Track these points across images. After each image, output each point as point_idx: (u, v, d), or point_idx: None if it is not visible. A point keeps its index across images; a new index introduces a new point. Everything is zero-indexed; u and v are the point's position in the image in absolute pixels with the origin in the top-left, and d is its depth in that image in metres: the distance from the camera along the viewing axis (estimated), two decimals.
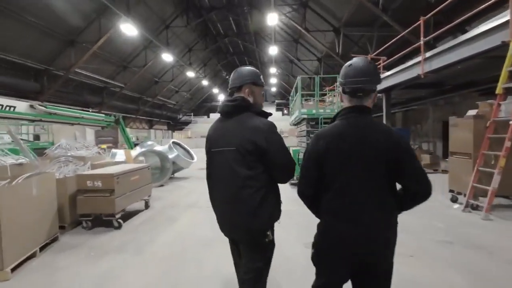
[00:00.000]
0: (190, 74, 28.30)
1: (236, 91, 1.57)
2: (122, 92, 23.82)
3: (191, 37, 26.27)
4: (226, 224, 1.57)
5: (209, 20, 25.23)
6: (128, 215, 4.44)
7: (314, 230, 1.35)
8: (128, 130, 27.23)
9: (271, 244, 1.50)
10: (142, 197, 4.67)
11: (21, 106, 7.99)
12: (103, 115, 12.01)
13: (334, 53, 15.91)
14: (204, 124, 36.15)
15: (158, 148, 8.11)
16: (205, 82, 32.89)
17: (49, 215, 3.22)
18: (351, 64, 1.30)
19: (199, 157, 15.70)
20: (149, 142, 8.66)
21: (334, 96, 11.43)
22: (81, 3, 15.60)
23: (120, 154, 7.44)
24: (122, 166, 4.41)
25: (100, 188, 3.73)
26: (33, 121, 8.38)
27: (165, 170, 7.47)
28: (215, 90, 39.65)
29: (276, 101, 43.88)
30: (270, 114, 1.64)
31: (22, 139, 11.81)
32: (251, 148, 1.39)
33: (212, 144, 1.56)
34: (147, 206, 4.91)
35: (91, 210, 3.77)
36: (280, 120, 35.22)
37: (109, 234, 3.67)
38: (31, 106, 8.23)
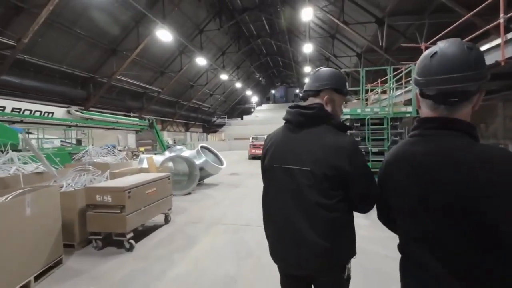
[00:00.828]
0: (224, 77, 28.33)
1: (312, 96, 1.31)
2: (160, 97, 24.61)
3: (224, 40, 26.26)
4: (289, 258, 1.25)
5: (242, 21, 24.95)
6: (143, 232, 3.94)
7: None
8: (165, 133, 28.25)
9: (349, 280, 1.27)
10: (161, 211, 4.14)
11: (59, 112, 8.22)
12: (137, 119, 12.23)
13: (377, 46, 14.34)
14: (237, 127, 36.09)
15: (186, 153, 7.70)
16: (238, 85, 32.76)
17: (49, 237, 2.79)
18: (436, 52, 0.83)
19: (230, 161, 15.43)
20: (178, 147, 8.33)
21: (377, 93, 10.10)
22: (121, 14, 16.23)
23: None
24: (138, 177, 3.93)
25: (110, 203, 3.25)
26: (70, 126, 8.65)
27: (192, 177, 7.01)
28: (248, 92, 39.43)
29: None
30: (351, 129, 1.46)
31: (67, 143, 12.44)
32: (332, 174, 1.13)
33: (276, 158, 1.28)
34: (167, 220, 4.38)
35: (100, 228, 3.31)
36: None
37: (119, 258, 3.15)
38: (68, 112, 8.46)
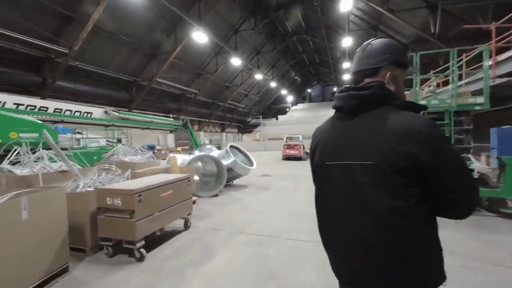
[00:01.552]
0: (258, 76, 28.02)
1: (369, 77, 1.01)
2: (197, 98, 25.18)
3: (258, 39, 25.93)
4: (356, 281, 0.95)
5: (277, 19, 24.34)
6: (160, 238, 3.59)
7: None
8: (201, 133, 28.80)
9: None
10: (178, 217, 3.76)
11: (97, 112, 8.53)
12: (171, 119, 12.41)
13: (429, 34, 12.60)
14: (272, 127, 35.54)
15: (215, 153, 7.37)
16: (273, 84, 32.20)
17: (53, 243, 2.53)
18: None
19: (262, 161, 14.94)
20: (208, 146, 8.06)
21: (432, 85, 8.72)
22: (160, 18, 16.79)
23: (178, 159, 6.97)
24: (155, 178, 3.59)
25: (120, 207, 2.93)
26: (107, 126, 8.96)
27: (220, 178, 6.63)
28: (283, 92, 38.61)
29: None
30: (425, 108, 1.02)
31: (112, 142, 13.12)
32: (404, 164, 0.84)
33: (328, 154, 1.02)
34: (186, 226, 3.98)
35: (110, 234, 3.01)
36: None
37: (127, 269, 2.81)
38: (106, 112, 8.75)
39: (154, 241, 3.50)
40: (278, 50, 28.88)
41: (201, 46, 20.30)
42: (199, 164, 7.41)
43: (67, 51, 13.13)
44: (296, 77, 41.45)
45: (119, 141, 13.18)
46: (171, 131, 12.01)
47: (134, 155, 5.85)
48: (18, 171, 3.66)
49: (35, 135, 5.68)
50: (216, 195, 6.27)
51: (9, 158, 3.95)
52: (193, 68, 22.53)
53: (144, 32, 16.74)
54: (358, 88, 0.99)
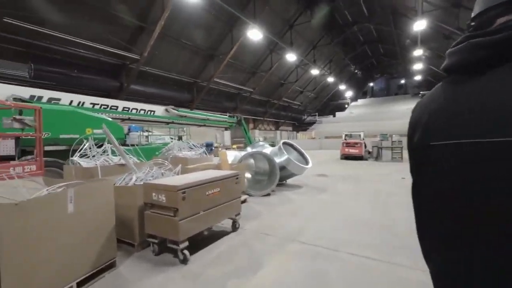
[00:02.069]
0: (315, 72, 26.77)
1: (504, 15, 0.59)
2: (252, 97, 25.40)
3: (315, 33, 24.68)
4: None
5: (335, 9, 22.70)
6: (207, 238, 3.36)
7: None
8: (256, 131, 28.98)
9: None
10: (225, 217, 3.47)
11: (159, 110, 9.08)
12: (226, 116, 12.57)
13: None
14: (329, 124, 33.66)
15: (267, 150, 7.00)
16: (330, 79, 30.39)
17: (99, 237, 2.48)
18: None
19: (319, 161, 13.99)
20: (260, 143, 7.76)
21: None
22: (217, 20, 17.32)
23: (229, 155, 6.84)
24: (201, 175, 3.37)
25: (164, 204, 2.76)
26: (167, 123, 9.47)
27: (273, 177, 6.23)
28: (342, 87, 36.18)
29: (421, 92, 35.02)
30: None
31: (172, 138, 14.06)
32: None
33: (438, 129, 0.59)
34: (234, 227, 3.68)
35: (155, 231, 2.88)
36: None
37: (168, 272, 2.61)
38: (166, 110, 9.25)
39: (201, 240, 3.29)
40: (336, 43, 27.08)
41: (256, 44, 20.30)
42: (251, 161, 7.15)
43: (139, 57, 14.56)
44: (356, 71, 38.37)
45: (180, 138, 14.00)
46: (225, 128, 12.16)
47: (188, 151, 5.90)
48: (84, 163, 3.91)
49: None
50: (268, 195, 5.89)
51: (79, 151, 4.28)
52: (248, 66, 22.75)
53: (203, 35, 17.51)
54: (487, 33, 0.60)
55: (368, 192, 6.20)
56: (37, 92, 5.69)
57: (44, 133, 5.21)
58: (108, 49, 13.54)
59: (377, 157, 13.76)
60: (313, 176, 8.59)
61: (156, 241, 2.89)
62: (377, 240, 3.34)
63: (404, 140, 14.75)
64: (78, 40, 12.33)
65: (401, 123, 27.01)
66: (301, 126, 38.07)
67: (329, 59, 29.94)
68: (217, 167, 5.09)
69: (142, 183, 3.33)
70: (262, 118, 29.89)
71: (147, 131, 15.25)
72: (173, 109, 8.71)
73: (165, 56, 16.74)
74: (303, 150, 7.47)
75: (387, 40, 27.62)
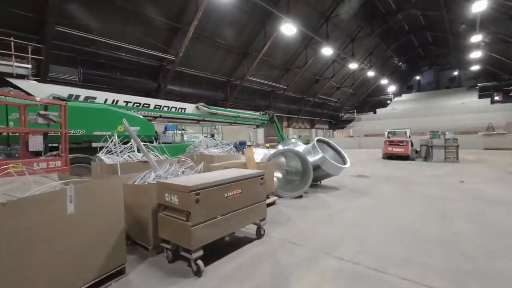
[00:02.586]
0: (353, 66, 25.10)
1: None
2: (286, 94, 24.73)
3: (353, 24, 23.08)
4: None
5: None
6: (228, 245, 2.97)
7: None
8: (290, 130, 28.21)
9: None
10: (248, 222, 3.03)
11: (190, 108, 9.04)
12: (258, 113, 12.20)
13: None
14: (368, 122, 31.41)
15: (300, 147, 6.43)
16: (370, 74, 28.27)
17: (105, 241, 2.23)
18: None
19: (358, 160, 12.84)
20: (293, 140, 7.20)
21: None
22: (250, 17, 17.04)
23: (258, 153, 6.42)
24: (221, 174, 2.99)
25: (177, 206, 2.43)
26: (198, 121, 9.41)
27: (306, 177, 5.65)
28: (383, 81, 33.52)
29: (478, 84, 30.90)
30: None
31: (206, 136, 14.17)
32: None
33: None
34: (259, 234, 3.23)
35: (168, 236, 2.57)
36: (488, 111, 24.15)
37: (180, 284, 2.27)
38: (197, 108, 9.17)
39: (220, 246, 2.92)
40: (377, 33, 25.02)
41: (289, 39, 19.61)
42: (282, 159, 6.64)
43: (174, 58, 14.92)
44: (400, 63, 35.22)
45: (212, 136, 14.02)
46: (257, 126, 11.79)
47: (215, 148, 5.62)
48: (108, 160, 3.81)
49: (137, 128, 6.21)
50: (300, 197, 5.33)
51: (106, 148, 4.22)
52: (282, 63, 22.14)
53: (236, 32, 17.38)
54: None
55: (419, 197, 5.28)
56: (74, 91, 5.90)
57: (78, 130, 5.34)
58: (147, 51, 14.08)
59: (426, 157, 12.19)
60: (351, 176, 7.77)
61: (169, 247, 2.58)
62: (437, 259, 2.62)
63: (461, 138, 12.84)
64: (120, 44, 13.01)
65: (455, 119, 23.98)
66: (338, 124, 36.22)
67: (369, 52, 27.87)
68: (244, 165, 4.70)
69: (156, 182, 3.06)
70: (296, 116, 29.02)
71: (182, 129, 15.66)
72: (203, 106, 8.58)
73: (199, 56, 16.97)
74: (340, 148, 6.74)
75: (437, 27, 24.70)
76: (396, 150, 12.55)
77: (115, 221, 2.32)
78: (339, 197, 5.36)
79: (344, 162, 6.28)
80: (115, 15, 12.37)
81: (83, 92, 5.98)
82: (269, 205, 4.64)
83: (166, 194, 2.52)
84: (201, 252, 2.40)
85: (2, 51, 8.25)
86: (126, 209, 2.87)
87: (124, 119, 3.79)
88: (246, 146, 18.23)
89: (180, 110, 8.09)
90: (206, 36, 16.06)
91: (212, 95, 19.23)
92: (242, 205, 2.86)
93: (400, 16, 24.01)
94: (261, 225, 3.20)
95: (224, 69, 19.27)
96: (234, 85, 20.25)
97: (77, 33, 11.45)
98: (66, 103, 3.53)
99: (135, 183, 3.21)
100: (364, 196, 5.43)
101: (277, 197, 5.13)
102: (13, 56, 8.43)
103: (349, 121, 35.24)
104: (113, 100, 6.52)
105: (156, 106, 7.49)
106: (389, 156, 12.91)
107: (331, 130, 34.52)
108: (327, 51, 21.04)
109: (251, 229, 3.38)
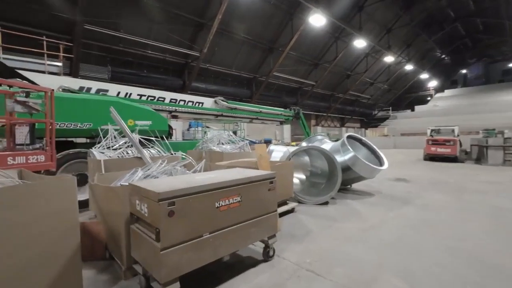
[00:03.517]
0: (389, 59, 22.99)
1: None
2: (314, 91, 23.43)
3: (390, 13, 21.04)
4: None
5: None
6: (221, 269, 2.25)
7: None
8: (319, 128, 26.75)
9: None
10: (251, 241, 2.27)
11: (208, 102, 8.48)
12: (282, 109, 11.32)
13: None
14: (405, 120, 28.73)
15: (327, 145, 5.50)
16: (408, 67, 25.74)
17: (46, 264, 1.63)
18: None
19: (394, 161, 11.32)
20: (319, 136, 6.27)
21: None
22: (276, 10, 16.20)
23: (278, 151, 5.64)
24: (211, 175, 2.27)
25: (147, 218, 1.77)
26: (217, 116, 8.81)
27: (333, 180, 4.74)
28: (423, 76, 30.45)
29: None
30: None
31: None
32: None
33: None
34: (266, 255, 2.45)
35: (139, 258, 1.91)
36: None
37: None
38: (215, 102, 8.59)
39: (211, 272, 2.21)
40: (417, 23, 22.59)
41: (318, 32, 18.38)
42: (306, 158, 5.76)
43: (199, 55, 14.62)
44: (443, 56, 31.74)
45: (234, 133, 13.45)
46: (281, 123, 10.94)
47: (229, 145, 4.96)
48: (98, 155, 3.32)
49: (149, 122, 5.77)
50: (326, 203, 4.45)
51: (104, 142, 3.76)
52: (310, 58, 20.93)
53: (262, 27, 16.64)
54: None
55: (481, 209, 4.09)
56: (86, 83, 5.62)
57: (85, 124, 5.00)
58: (172, 48, 13.94)
59: (479, 159, 10.37)
60: (388, 180, 6.62)
61: (140, 271, 1.93)
62: None
63: None
64: (146, 41, 12.99)
65: (510, 117, 20.73)
66: (370, 122, 33.75)
67: (407, 44, 25.37)
68: (256, 165, 3.95)
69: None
70: (325, 114, 27.48)
71: (206, 127, 15.34)
72: (222, 100, 7.98)
73: (224, 53, 16.53)
74: (375, 147, 5.68)
75: (490, 12, 21.57)
76: (441, 150, 10.87)
77: (64, 236, 1.72)
78: (374, 205, 4.37)
79: (381, 163, 5.23)
80: (141, 12, 12.34)
81: (94, 84, 5.69)
82: (286, 213, 3.85)
83: (137, 201, 1.87)
84: (177, 285, 1.71)
85: (35, 50, 8.43)
86: (101, 216, 2.29)
87: (111, 107, 3.25)
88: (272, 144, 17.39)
89: (197, 104, 7.57)
90: (231, 31, 15.54)
91: (237, 92, 18.72)
92: (242, 218, 2.11)
93: (445, 2, 21.37)
94: (270, 244, 2.42)
95: (250, 65, 18.65)
96: (259, 81, 19.55)
97: (105, 31, 11.57)
98: (53, 90, 3.10)
99: (120, 183, 2.64)
100: (406, 205, 4.37)
101: (298, 203, 4.31)
102: (45, 55, 8.63)
103: (383, 119, 32.63)
104: (126, 93, 6.18)
105: (172, 100, 7.05)
106: (432, 157, 11.26)
107: (363, 129, 32.25)
108: (359, 43, 19.40)
109: (259, 245, 2.62)
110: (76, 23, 10.71)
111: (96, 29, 11.28)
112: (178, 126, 14.99)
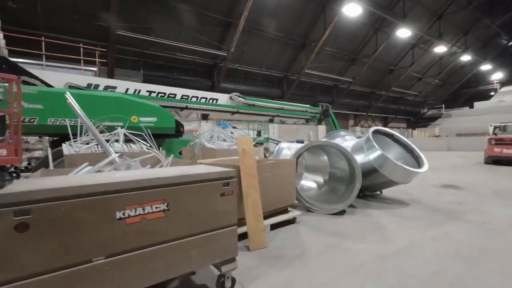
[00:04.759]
0: (440, 50, 20.07)
1: None
2: (351, 88, 21.60)
3: None
4: None
5: None
6: None
7: None
8: (357, 129, 24.62)
9: None
10: (188, 268, 1.52)
11: (223, 98, 7.96)
12: (308, 105, 10.31)
13: None
14: (461, 118, 24.86)
15: (350, 142, 4.49)
16: (465, 58, 22.21)
17: None
18: None
19: (446, 165, 9.39)
20: (342, 132, 5.26)
21: None
22: (307, 2, 15.20)
23: (289, 148, 4.81)
24: (138, 173, 1.62)
25: None
26: (233, 113, 8.26)
27: (352, 184, 3.75)
28: (485, 67, 26.08)
29: None
30: None
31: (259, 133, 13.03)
32: None
33: None
34: (221, 286, 1.71)
35: None
36: None
37: None
38: (230, 98, 8.04)
39: None
40: (476, 6, 19.30)
41: (355, 24, 16.78)
42: (325, 158, 4.81)
43: (226, 54, 14.38)
44: (510, 43, 26.77)
45: (259, 133, 12.79)
46: (307, 120, 9.95)
47: (224, 141, 4.32)
48: (66, 149, 2.96)
49: (154, 119, 5.46)
50: (342, 212, 3.50)
51: (80, 137, 3.43)
52: (346, 53, 19.30)
53: (292, 22, 15.76)
54: None
55: None
56: (93, 80, 5.54)
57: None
58: (200, 49, 13.93)
59: None
60: (433, 186, 5.26)
61: None
62: None
63: None
64: (176, 44, 13.17)
65: None
66: (419, 121, 30.05)
67: (464, 31, 21.88)
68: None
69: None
70: (365, 114, 25.20)
71: (233, 127, 14.98)
72: (238, 96, 7.41)
73: (253, 51, 16.06)
74: (412, 145, 4.48)
75: None
76: (509, 152, 8.71)
77: None
78: (405, 219, 3.27)
79: (419, 165, 4.05)
80: (170, 16, 12.52)
81: (102, 81, 5.60)
82: (283, 223, 3.04)
83: None
84: None
85: (73, 57, 8.93)
86: None
87: (67, 93, 2.85)
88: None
89: (211, 100, 7.12)
90: (259, 29, 14.99)
91: (267, 92, 18.08)
92: (171, 235, 1.42)
93: None
94: (224, 273, 1.67)
95: (280, 63, 17.87)
96: (291, 80, 18.62)
97: (137, 36, 11.97)
98: (19, 78, 2.84)
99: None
100: (454, 221, 3.18)
101: (307, 211, 3.45)
102: (82, 61, 9.11)
103: (434, 118, 28.71)
104: (135, 90, 5.98)
105: (184, 96, 6.71)
106: (496, 160, 9.11)
107: (409, 129, 28.84)
108: (403, 33, 17.21)
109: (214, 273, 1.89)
110: (110, 29, 11.24)
111: (128, 34, 11.73)
112: (207, 127, 14.94)
